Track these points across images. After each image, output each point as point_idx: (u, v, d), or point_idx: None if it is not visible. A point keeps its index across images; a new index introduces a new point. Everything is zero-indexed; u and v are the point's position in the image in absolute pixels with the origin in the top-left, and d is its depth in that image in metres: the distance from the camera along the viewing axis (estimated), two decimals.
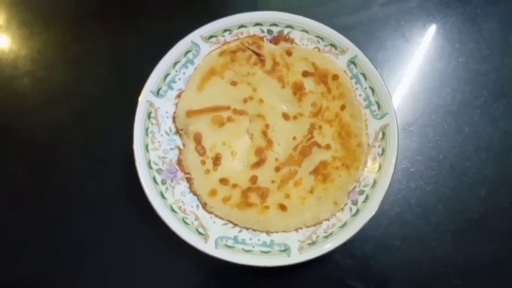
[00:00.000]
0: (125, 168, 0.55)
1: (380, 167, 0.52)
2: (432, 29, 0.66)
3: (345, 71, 0.56)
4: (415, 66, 0.64)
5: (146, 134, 0.53)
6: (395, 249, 0.55)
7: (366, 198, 0.51)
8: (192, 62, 0.57)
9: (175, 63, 0.56)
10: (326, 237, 0.50)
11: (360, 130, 0.54)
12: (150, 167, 0.52)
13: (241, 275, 0.54)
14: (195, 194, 0.53)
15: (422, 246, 0.55)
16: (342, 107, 0.56)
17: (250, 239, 0.51)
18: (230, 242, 0.50)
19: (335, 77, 0.56)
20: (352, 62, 0.56)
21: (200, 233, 0.50)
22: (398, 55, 0.64)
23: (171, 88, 0.56)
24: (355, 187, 0.53)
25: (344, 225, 0.51)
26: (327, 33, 0.57)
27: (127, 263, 0.54)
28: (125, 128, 0.53)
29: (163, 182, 0.52)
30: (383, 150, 0.53)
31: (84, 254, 0.55)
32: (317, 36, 0.57)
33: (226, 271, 0.54)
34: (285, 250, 0.50)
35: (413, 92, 0.62)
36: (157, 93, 0.55)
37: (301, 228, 0.51)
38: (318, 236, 0.50)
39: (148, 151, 0.53)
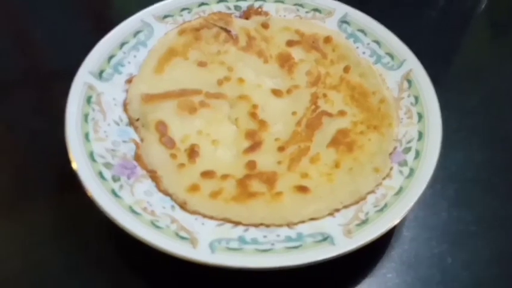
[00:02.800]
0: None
1: (420, 116, 0.38)
2: None
3: (338, 33, 0.46)
4: None
5: (86, 121, 0.37)
6: None
7: (417, 154, 0.36)
8: (144, 44, 0.43)
9: (122, 44, 0.42)
10: (381, 210, 0.32)
11: (378, 86, 0.42)
12: (93, 160, 0.34)
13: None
14: (166, 193, 0.34)
15: None
16: (346, 69, 0.43)
17: (265, 236, 0.32)
18: (234, 244, 0.31)
19: (327, 40, 0.45)
20: (344, 21, 0.46)
21: (182, 237, 0.31)
22: None
23: (119, 72, 0.41)
24: (396, 147, 0.37)
25: (400, 191, 0.33)
26: None
27: None
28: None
29: (115, 179, 0.34)
30: (416, 97, 0.39)
31: None
32: (295, 4, 0.48)
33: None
34: (324, 239, 0.31)
35: None
36: (99, 75, 0.40)
37: (338, 211, 0.33)
38: (367, 213, 0.33)
39: (88, 141, 0.35)
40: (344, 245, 0.30)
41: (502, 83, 0.52)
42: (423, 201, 0.39)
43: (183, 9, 0.46)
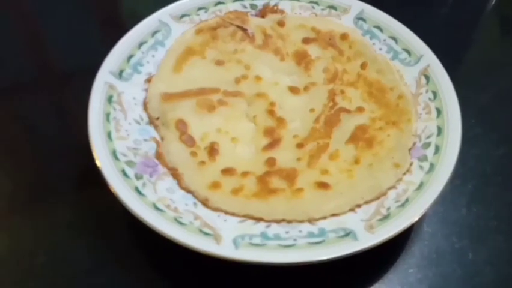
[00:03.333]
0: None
1: (439, 111, 0.38)
2: None
3: (354, 29, 0.46)
4: None
5: (108, 120, 0.37)
6: None
7: (437, 149, 0.36)
8: (162, 43, 0.44)
9: (141, 44, 0.43)
10: (403, 205, 0.33)
11: (395, 82, 0.42)
12: (116, 158, 0.35)
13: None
14: (188, 191, 0.35)
15: None
16: (363, 66, 0.43)
17: (287, 232, 0.32)
18: (257, 240, 0.31)
19: (344, 37, 0.45)
20: (359, 18, 0.46)
21: (206, 234, 0.31)
22: None
23: (138, 72, 0.41)
24: (415, 143, 0.37)
25: (421, 186, 0.34)
26: None
27: None
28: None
29: (138, 177, 0.34)
30: (434, 93, 0.39)
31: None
32: (311, 2, 0.48)
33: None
34: (346, 235, 0.31)
35: None
36: (119, 75, 0.40)
37: (359, 207, 0.34)
38: (389, 208, 0.33)
39: (111, 139, 0.36)
40: (367, 240, 0.30)
41: None
42: (443, 197, 0.39)
43: (200, 9, 0.47)
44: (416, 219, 0.31)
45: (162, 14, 0.45)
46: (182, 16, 0.46)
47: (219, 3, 0.47)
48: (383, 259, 0.36)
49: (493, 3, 0.60)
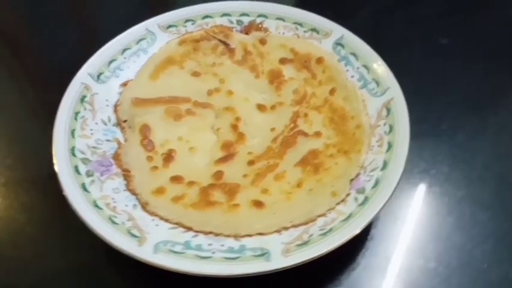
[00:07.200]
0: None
1: (390, 146, 0.38)
2: None
3: (331, 54, 0.46)
4: None
5: (75, 119, 0.40)
6: None
7: (377, 182, 0.36)
8: (145, 51, 0.47)
9: (124, 50, 0.46)
10: (324, 234, 0.33)
11: (358, 111, 0.42)
12: (73, 155, 0.38)
13: None
14: (133, 193, 0.37)
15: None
16: (332, 91, 0.44)
17: (210, 244, 0.34)
18: (178, 248, 0.33)
19: (320, 61, 0.46)
20: (338, 43, 0.47)
21: (133, 235, 0.33)
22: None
23: (116, 75, 0.44)
24: (359, 174, 0.38)
25: (349, 217, 0.34)
26: (306, 18, 0.48)
27: None
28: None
29: (89, 174, 0.37)
30: (391, 126, 0.39)
31: None
32: (295, 23, 0.49)
33: None
34: (261, 255, 0.32)
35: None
36: (97, 77, 0.43)
37: (286, 229, 0.35)
38: (311, 235, 0.33)
39: (73, 137, 0.39)
40: (278, 263, 0.31)
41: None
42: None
43: (187, 21, 0.49)
44: (332, 248, 0.32)
45: (150, 23, 0.48)
46: (169, 26, 0.49)
47: (207, 16, 0.50)
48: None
49: None
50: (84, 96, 0.42)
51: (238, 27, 0.49)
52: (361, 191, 0.36)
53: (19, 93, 0.53)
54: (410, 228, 0.41)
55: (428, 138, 0.47)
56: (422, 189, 0.43)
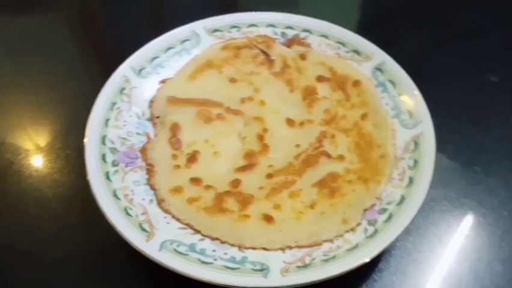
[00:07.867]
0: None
1: (411, 181, 0.37)
2: None
3: (369, 78, 0.46)
4: None
5: (111, 109, 0.42)
6: None
7: (389, 217, 0.35)
8: (188, 51, 0.48)
9: (168, 48, 0.48)
10: (326, 260, 0.33)
11: (385, 140, 0.41)
12: (103, 143, 0.40)
13: None
14: (152, 188, 0.39)
15: None
16: (364, 116, 0.44)
17: (214, 250, 0.35)
18: (183, 249, 0.34)
19: (356, 83, 0.46)
20: (378, 69, 0.46)
21: (143, 229, 0.35)
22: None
23: (157, 72, 0.46)
24: (374, 205, 0.37)
25: (355, 247, 0.34)
26: (349, 38, 0.48)
27: None
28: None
29: (114, 163, 0.39)
30: (416, 161, 0.39)
31: None
32: (338, 42, 0.49)
33: None
34: (260, 270, 0.33)
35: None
36: (139, 72, 0.45)
37: (290, 248, 0.35)
38: (313, 259, 0.34)
39: (107, 126, 0.41)
40: (274, 281, 0.32)
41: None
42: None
43: (233, 27, 0.50)
44: (330, 277, 0.32)
45: (197, 25, 0.50)
46: (215, 30, 0.50)
47: (253, 25, 0.50)
48: None
49: None
50: (123, 88, 0.44)
51: (282, 39, 0.50)
52: (373, 222, 0.36)
53: (71, 75, 0.55)
54: (421, 266, 0.40)
55: (457, 177, 0.45)
56: (441, 228, 0.42)
